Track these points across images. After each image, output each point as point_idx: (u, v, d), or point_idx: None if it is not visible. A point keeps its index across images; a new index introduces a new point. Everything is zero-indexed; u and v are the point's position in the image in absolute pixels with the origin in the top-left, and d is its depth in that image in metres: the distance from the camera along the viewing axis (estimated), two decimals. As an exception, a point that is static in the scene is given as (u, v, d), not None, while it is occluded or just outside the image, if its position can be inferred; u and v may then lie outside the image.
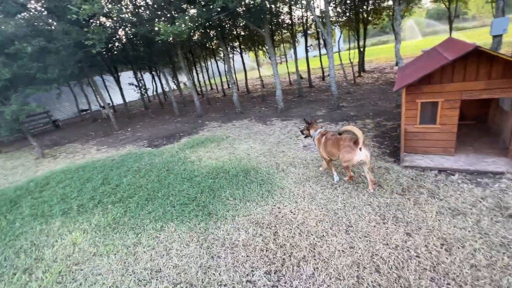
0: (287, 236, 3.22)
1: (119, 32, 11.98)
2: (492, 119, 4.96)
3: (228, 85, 20.98)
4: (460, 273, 2.40)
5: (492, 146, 4.45)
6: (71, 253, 3.63)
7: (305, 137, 4.92)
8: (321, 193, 4.03)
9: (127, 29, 10.60)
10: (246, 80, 17.54)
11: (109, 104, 18.50)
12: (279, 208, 3.84)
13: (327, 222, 3.37)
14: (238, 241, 3.30)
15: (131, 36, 11.95)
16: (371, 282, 2.45)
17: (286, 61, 20.63)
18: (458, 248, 2.66)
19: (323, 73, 16.69)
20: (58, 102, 21.13)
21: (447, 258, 2.57)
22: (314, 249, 2.96)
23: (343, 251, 2.87)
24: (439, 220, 3.07)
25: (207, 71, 20.44)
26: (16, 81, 9.01)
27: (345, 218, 3.38)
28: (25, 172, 8.10)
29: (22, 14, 9.51)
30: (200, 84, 21.08)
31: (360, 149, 3.68)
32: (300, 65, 13.90)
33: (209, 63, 22.56)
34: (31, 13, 9.62)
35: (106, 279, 3.04)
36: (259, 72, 16.20)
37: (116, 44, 13.69)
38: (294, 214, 3.65)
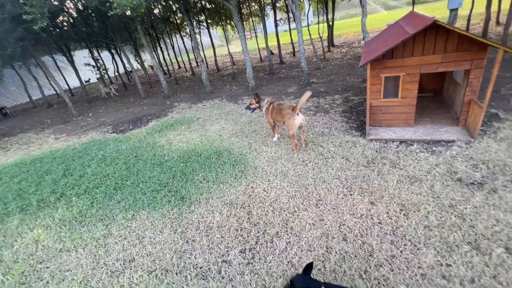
0: (261, 214, 3.30)
1: (66, 4, 10.56)
2: (447, 91, 5.32)
3: (197, 63, 19.97)
4: (415, 234, 2.65)
5: (446, 116, 4.82)
6: (34, 252, 3.40)
7: (252, 111, 5.34)
8: (292, 170, 4.13)
9: (75, 1, 9.37)
10: (215, 57, 16.80)
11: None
12: (252, 187, 3.89)
13: (298, 197, 3.49)
14: (213, 223, 3.31)
15: (82, 9, 10.62)
16: (339, 250, 2.63)
17: (256, 36, 19.98)
18: (414, 212, 2.93)
19: (293, 48, 16.49)
20: (3, 87, 18.74)
21: (404, 222, 2.82)
22: (287, 224, 3.08)
23: (313, 224, 3.02)
24: (399, 188, 3.32)
25: (173, 48, 19.16)
26: None
27: (315, 193, 3.52)
28: (-29, 168, 7.24)
29: None
30: (166, 62, 19.82)
31: (298, 114, 4.29)
32: (271, 41, 13.56)
33: (174, 39, 21.10)
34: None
35: (75, 274, 2.91)
36: (228, 48, 15.56)
37: (65, 19, 12.12)
38: (267, 192, 3.72)
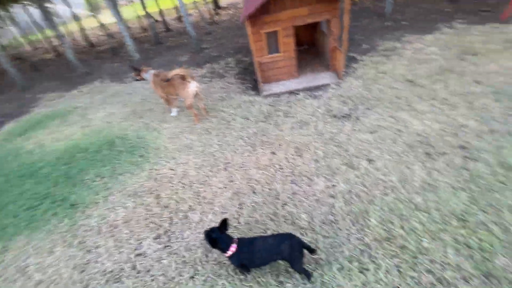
0: (170, 194, 3.11)
1: None
2: (318, 42, 6.04)
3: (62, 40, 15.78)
4: (308, 170, 3.07)
5: (321, 64, 5.53)
6: None
7: (138, 81, 4.94)
8: (197, 141, 4.00)
9: None
10: (83, 30, 13.66)
11: None
12: (157, 169, 3.58)
13: (206, 166, 3.44)
14: (117, 220, 2.93)
15: None
16: (250, 203, 2.80)
17: (132, 1, 17.13)
18: (306, 151, 3.36)
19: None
20: None
21: (300, 161, 3.21)
22: (199, 195, 3.02)
23: (224, 187, 3.07)
24: (292, 134, 3.71)
25: (15, 22, 14.32)
26: None
27: (223, 157, 3.55)
28: None
29: None
30: (12, 44, 14.84)
31: (189, 81, 4.06)
32: (151, 6, 11.89)
33: (13, 11, 15.68)
34: None
35: None
36: (96, 18, 12.80)
37: None
38: (173, 170, 3.50)
